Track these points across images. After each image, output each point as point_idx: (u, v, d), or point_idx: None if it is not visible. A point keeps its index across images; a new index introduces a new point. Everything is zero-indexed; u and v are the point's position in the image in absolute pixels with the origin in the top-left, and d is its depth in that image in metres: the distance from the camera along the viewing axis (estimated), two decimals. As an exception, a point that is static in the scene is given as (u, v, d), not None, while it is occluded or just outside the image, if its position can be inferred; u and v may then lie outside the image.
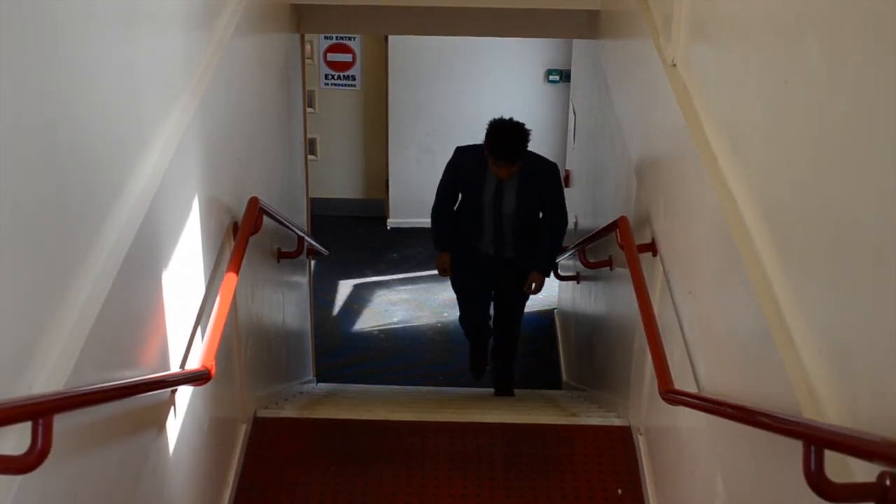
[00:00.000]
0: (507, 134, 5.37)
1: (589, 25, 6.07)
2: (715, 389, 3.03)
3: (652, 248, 4.01)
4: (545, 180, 5.66)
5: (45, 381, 2.13)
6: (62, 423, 2.03)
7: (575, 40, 8.09)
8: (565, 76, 9.22)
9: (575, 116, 8.08)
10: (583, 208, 7.11)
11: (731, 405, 2.65)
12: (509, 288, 6.19)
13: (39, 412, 1.95)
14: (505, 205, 5.67)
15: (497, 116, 5.44)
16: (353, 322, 8.60)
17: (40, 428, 1.93)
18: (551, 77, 9.44)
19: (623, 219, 4.43)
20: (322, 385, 7.27)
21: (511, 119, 5.41)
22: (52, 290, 2.24)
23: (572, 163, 8.21)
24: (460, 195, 5.88)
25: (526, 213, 5.74)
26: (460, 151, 5.81)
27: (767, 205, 2.68)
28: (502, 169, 5.46)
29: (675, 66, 3.79)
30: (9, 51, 1.97)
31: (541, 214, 5.84)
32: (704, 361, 3.19)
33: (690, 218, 3.43)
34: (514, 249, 5.89)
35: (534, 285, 6.00)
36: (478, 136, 5.56)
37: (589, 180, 6.77)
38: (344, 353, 8.18)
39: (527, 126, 5.41)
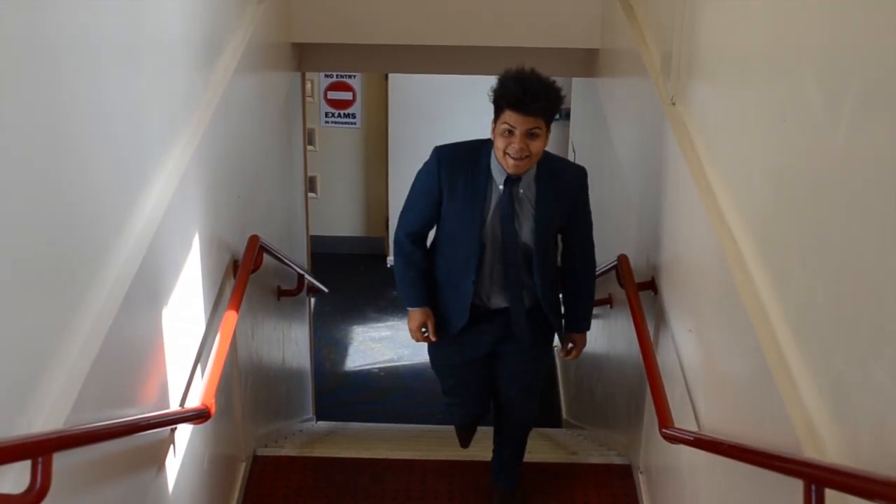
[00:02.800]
0: (529, 77, 3.54)
1: (588, 64, 6.10)
2: (715, 428, 3.02)
3: (652, 286, 4.02)
4: (577, 191, 3.79)
5: (44, 419, 2.13)
6: (62, 462, 2.03)
7: (574, 78, 8.12)
8: (565, 114, 9.23)
9: (574, 154, 8.10)
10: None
11: (732, 444, 2.64)
12: (521, 356, 4.04)
13: (39, 450, 1.95)
14: (521, 228, 3.72)
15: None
16: (353, 360, 8.58)
17: (40, 466, 1.93)
18: (551, 115, 9.44)
19: (623, 257, 4.44)
20: (322, 423, 7.24)
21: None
22: (53, 327, 2.24)
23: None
24: (443, 218, 3.82)
25: (548, 240, 3.81)
26: (444, 151, 3.80)
27: (766, 242, 2.69)
28: (519, 135, 3.48)
29: (674, 104, 3.81)
30: (11, 87, 1.98)
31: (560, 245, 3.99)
32: (704, 399, 3.18)
33: (690, 256, 3.43)
34: (531, 296, 3.87)
35: (573, 349, 4.05)
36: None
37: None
38: (344, 391, 8.16)
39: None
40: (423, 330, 3.95)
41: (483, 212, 3.69)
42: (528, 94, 3.44)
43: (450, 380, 4.26)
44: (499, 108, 3.52)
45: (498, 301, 3.87)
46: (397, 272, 3.96)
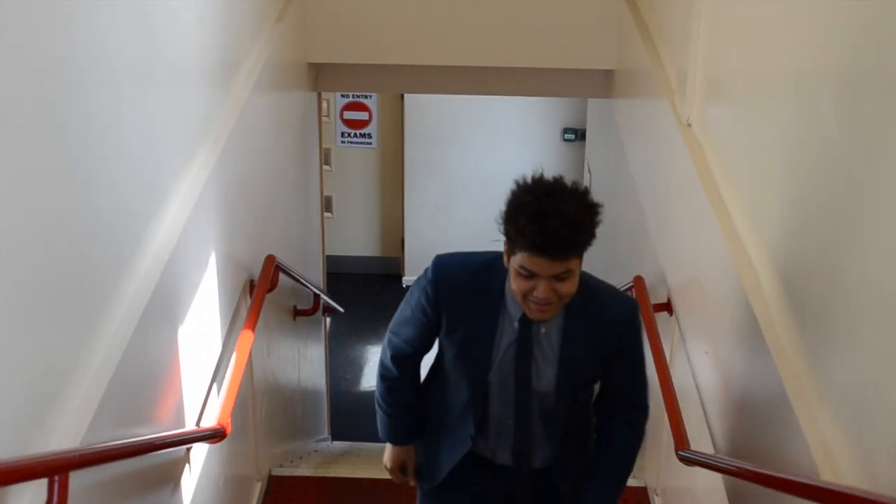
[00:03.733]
0: (553, 211, 2.45)
1: (604, 84, 6.11)
2: (731, 450, 3.01)
3: (668, 307, 4.01)
4: (619, 334, 2.83)
5: (61, 438, 2.13)
6: (78, 480, 2.03)
7: (590, 99, 8.14)
8: (581, 135, 9.25)
9: (590, 175, 8.10)
10: (598, 267, 7.08)
11: (747, 467, 2.63)
12: None
13: (55, 469, 1.95)
14: (538, 378, 2.84)
15: (522, 176, 2.56)
16: (368, 379, 8.57)
17: (56, 485, 1.94)
18: (567, 135, 9.47)
19: (639, 278, 4.43)
20: (337, 443, 7.23)
21: (559, 177, 2.56)
22: (69, 346, 2.24)
23: (588, 221, 8.20)
24: (442, 348, 2.99)
25: (576, 393, 2.90)
26: (444, 271, 2.85)
27: (783, 265, 2.68)
28: (541, 278, 2.54)
29: (689, 125, 3.81)
30: (27, 106, 1.99)
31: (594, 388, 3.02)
32: (721, 422, 3.17)
33: (706, 278, 3.43)
34: (551, 454, 3.00)
35: None
36: (496, 197, 2.77)
37: (604, 239, 6.75)
38: (359, 410, 8.14)
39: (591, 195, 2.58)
40: (401, 469, 3.16)
41: (491, 352, 2.81)
42: (553, 240, 2.47)
43: None
44: (511, 242, 2.58)
45: (504, 457, 3.00)
46: (377, 395, 3.09)
